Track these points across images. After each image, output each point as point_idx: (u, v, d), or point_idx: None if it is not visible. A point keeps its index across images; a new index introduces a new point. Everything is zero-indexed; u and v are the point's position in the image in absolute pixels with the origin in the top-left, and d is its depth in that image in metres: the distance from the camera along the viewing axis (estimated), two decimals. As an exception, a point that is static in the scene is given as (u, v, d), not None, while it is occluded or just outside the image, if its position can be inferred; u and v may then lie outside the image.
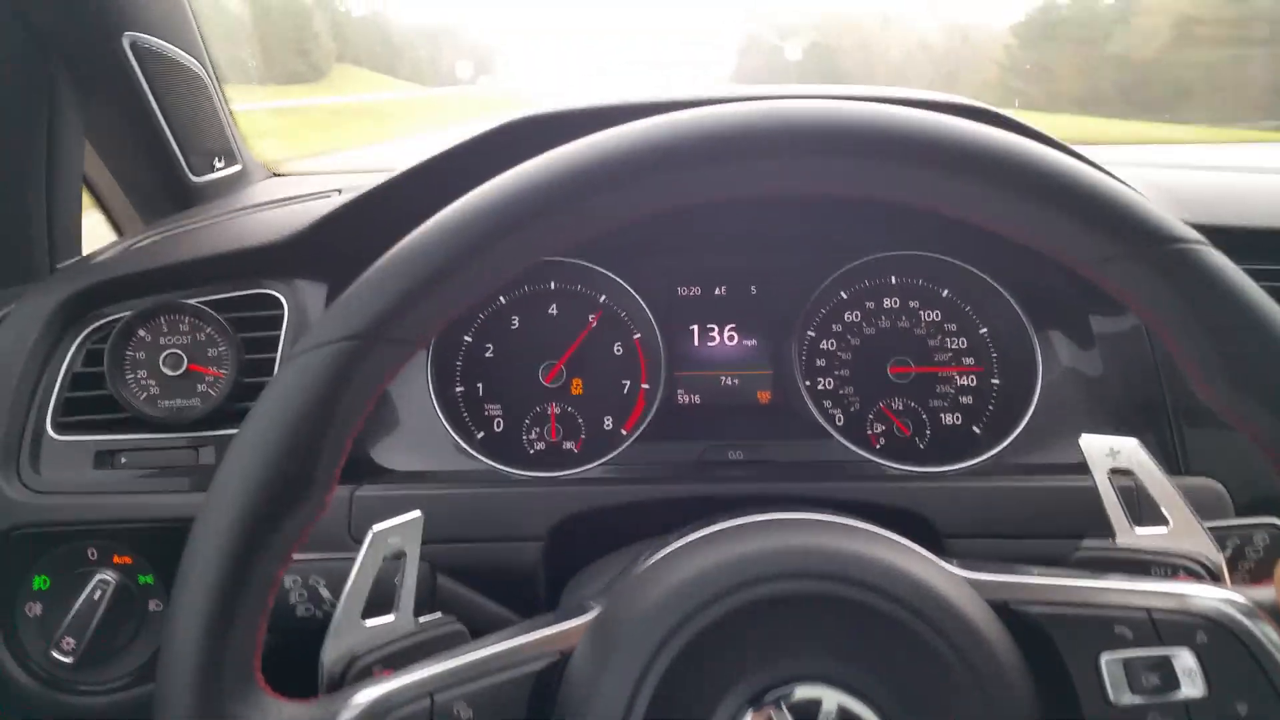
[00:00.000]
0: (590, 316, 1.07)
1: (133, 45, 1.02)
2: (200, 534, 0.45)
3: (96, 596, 0.82)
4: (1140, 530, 0.61)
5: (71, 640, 0.81)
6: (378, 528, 0.57)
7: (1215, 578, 0.58)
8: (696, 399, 1.07)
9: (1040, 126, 0.84)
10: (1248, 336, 0.45)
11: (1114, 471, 0.62)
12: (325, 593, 0.68)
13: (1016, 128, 0.85)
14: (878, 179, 0.48)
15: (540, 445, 1.05)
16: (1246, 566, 0.63)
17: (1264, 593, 0.50)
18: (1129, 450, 0.62)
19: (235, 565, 0.44)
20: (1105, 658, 0.49)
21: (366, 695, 0.48)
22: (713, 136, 0.47)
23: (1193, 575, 0.58)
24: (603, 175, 0.47)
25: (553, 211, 0.47)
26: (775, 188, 0.49)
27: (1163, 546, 0.60)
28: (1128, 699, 0.48)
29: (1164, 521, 0.60)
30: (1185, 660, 0.48)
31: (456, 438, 1.00)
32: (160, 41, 1.07)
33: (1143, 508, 0.62)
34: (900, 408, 1.05)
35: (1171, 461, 0.91)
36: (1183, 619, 0.49)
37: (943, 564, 0.53)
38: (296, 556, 0.70)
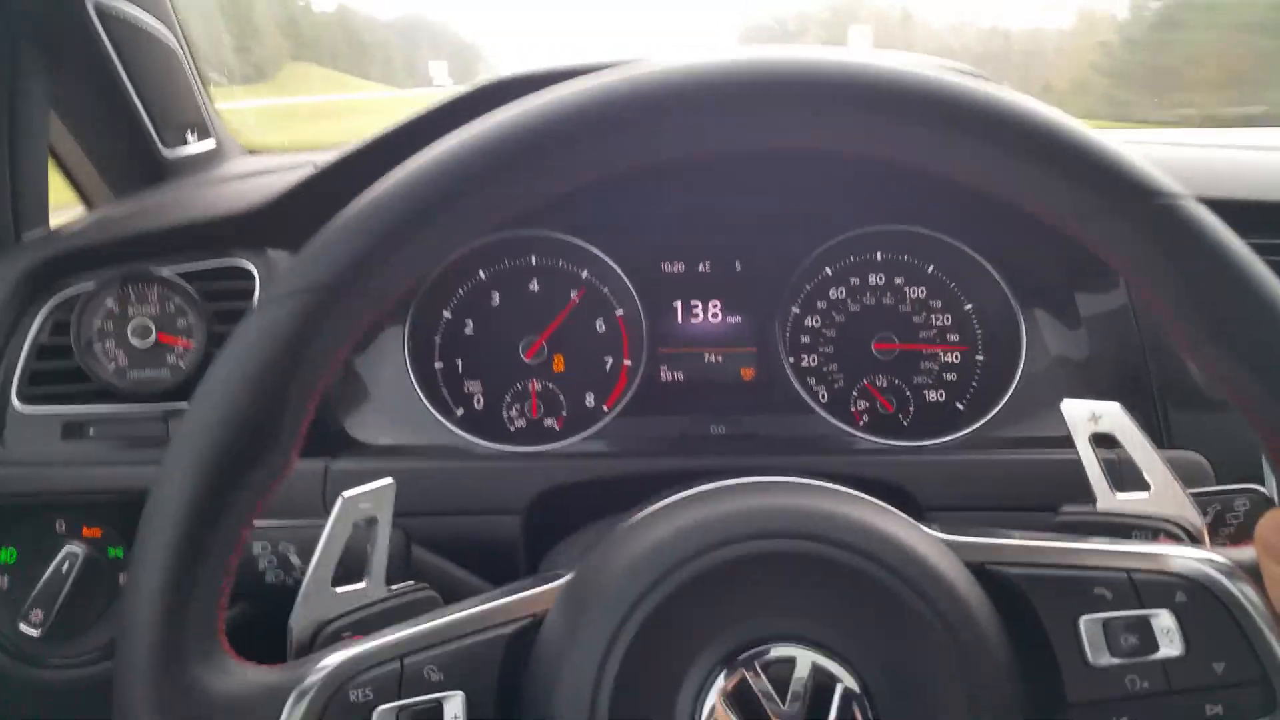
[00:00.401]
0: (572, 292, 1.05)
1: (98, 8, 1.00)
2: (160, 491, 0.44)
3: (65, 569, 0.80)
4: (1121, 496, 0.60)
5: (40, 613, 0.79)
6: (348, 494, 0.56)
7: (1196, 541, 0.58)
8: (679, 376, 1.06)
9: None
10: (1232, 293, 0.44)
11: (1095, 436, 0.61)
12: (295, 559, 0.67)
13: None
14: (853, 131, 0.47)
15: (521, 422, 1.04)
16: (1227, 532, 0.63)
17: (1244, 553, 0.50)
18: (1111, 414, 0.61)
19: (195, 523, 0.43)
20: (1084, 619, 0.49)
21: (334, 658, 0.47)
22: (674, 89, 0.46)
23: (1173, 539, 0.58)
24: (570, 126, 0.46)
25: (519, 165, 0.46)
26: (750, 140, 0.47)
27: (1144, 511, 0.59)
28: (1106, 660, 0.48)
29: (1145, 487, 0.60)
30: (1164, 620, 0.48)
31: (436, 414, 0.99)
32: (128, 7, 1.05)
33: (1124, 475, 0.62)
34: (884, 384, 1.04)
35: (1156, 438, 0.91)
36: (1162, 579, 0.49)
37: (920, 526, 0.52)
38: (265, 523, 0.69)
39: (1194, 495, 0.60)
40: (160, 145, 1.15)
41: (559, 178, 0.46)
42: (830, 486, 0.54)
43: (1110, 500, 0.60)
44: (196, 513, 0.43)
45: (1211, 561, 0.49)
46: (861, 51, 0.53)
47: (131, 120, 1.10)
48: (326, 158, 0.96)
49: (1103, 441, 0.62)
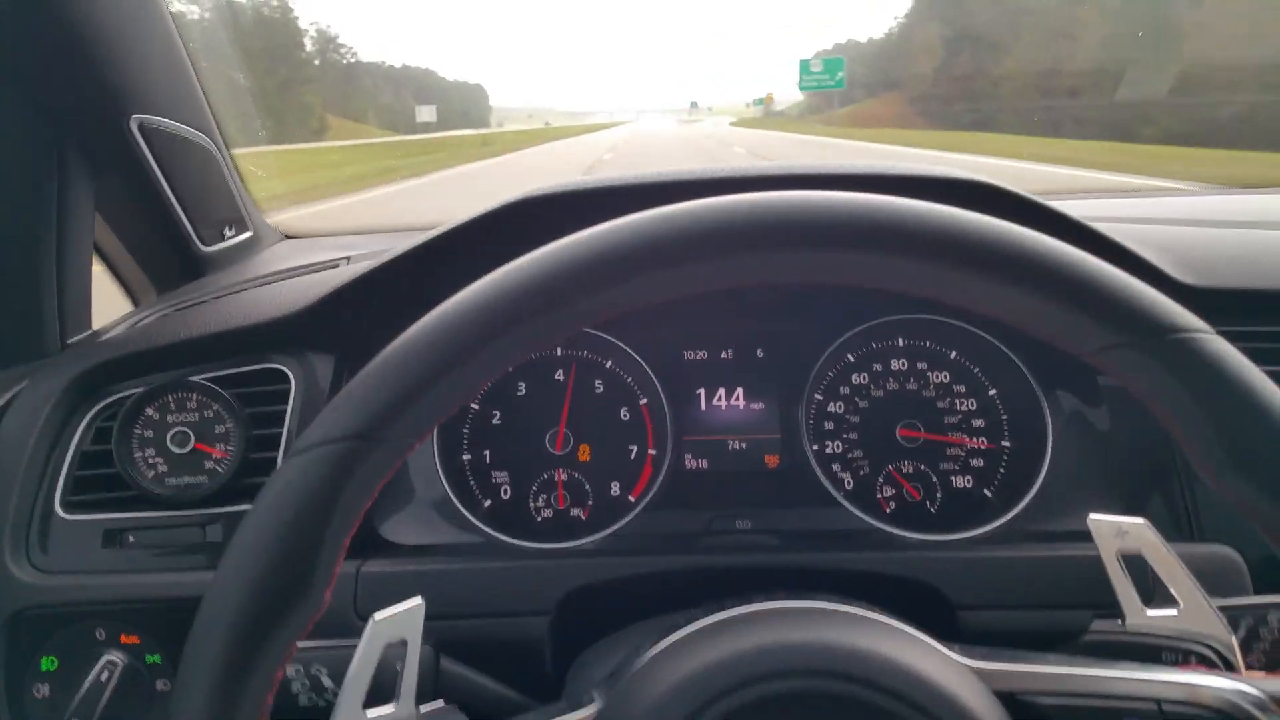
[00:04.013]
0: (597, 382, 1.07)
1: (140, 126, 1.04)
2: (198, 639, 0.45)
3: (104, 678, 0.81)
4: (1151, 612, 0.60)
5: None
6: (378, 617, 0.57)
7: (1228, 663, 0.57)
8: (704, 464, 1.07)
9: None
10: (1250, 424, 0.44)
11: (1122, 552, 0.61)
12: (327, 681, 0.67)
13: (1016, 202, 0.86)
14: (869, 270, 0.48)
15: (547, 513, 1.04)
16: (1261, 648, 0.62)
17: (1276, 684, 0.49)
18: (1137, 531, 0.61)
19: (234, 672, 0.44)
20: None
21: None
22: (701, 232, 0.48)
23: (1204, 661, 0.57)
24: (595, 272, 0.47)
25: (546, 310, 0.47)
26: (760, 279, 0.49)
27: (1173, 629, 0.59)
28: None
29: (1175, 601, 0.60)
30: None
31: (462, 509, 1.00)
32: (168, 121, 1.10)
33: (1154, 584, 0.61)
34: (910, 471, 1.04)
35: (1183, 524, 0.90)
36: (1193, 711, 0.49)
37: (947, 653, 0.52)
38: (299, 644, 0.70)
39: (1224, 608, 0.60)
40: (199, 243, 1.19)
41: (586, 318, 0.48)
42: (855, 612, 0.55)
43: (1140, 616, 0.60)
44: (234, 660, 0.44)
45: (1243, 694, 0.49)
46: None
47: (171, 223, 1.14)
48: (360, 245, 0.97)
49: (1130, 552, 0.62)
